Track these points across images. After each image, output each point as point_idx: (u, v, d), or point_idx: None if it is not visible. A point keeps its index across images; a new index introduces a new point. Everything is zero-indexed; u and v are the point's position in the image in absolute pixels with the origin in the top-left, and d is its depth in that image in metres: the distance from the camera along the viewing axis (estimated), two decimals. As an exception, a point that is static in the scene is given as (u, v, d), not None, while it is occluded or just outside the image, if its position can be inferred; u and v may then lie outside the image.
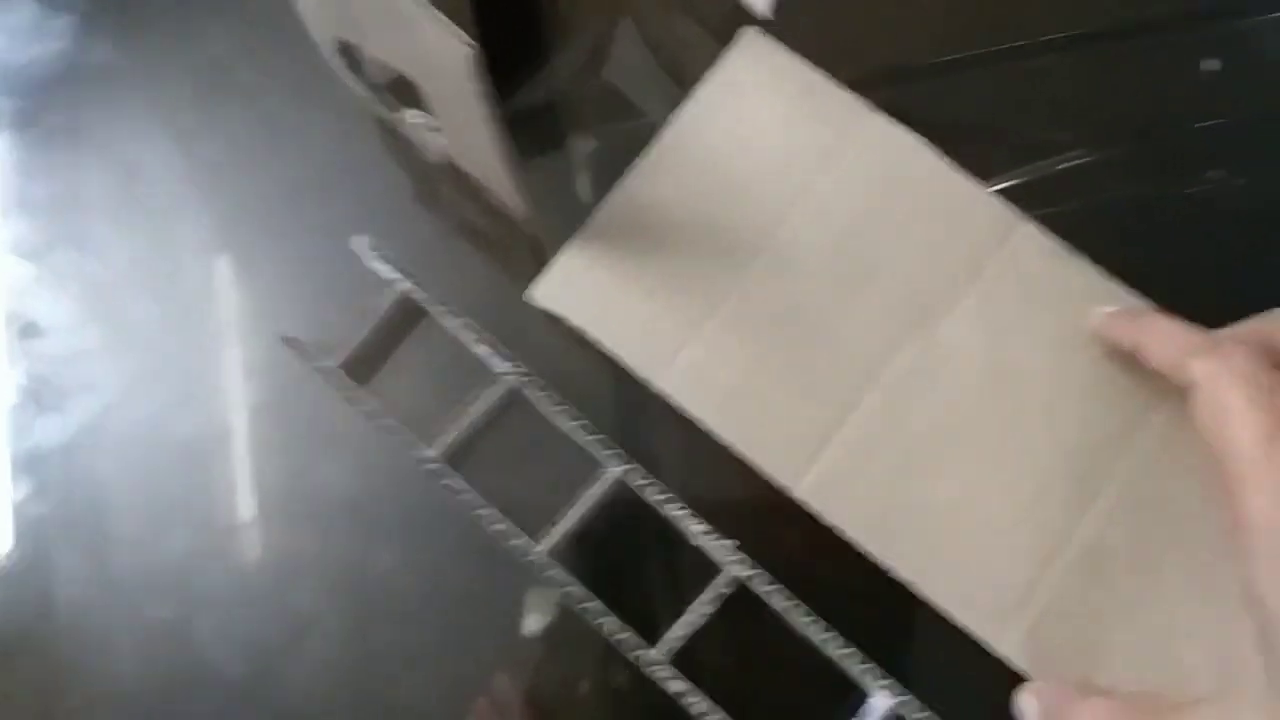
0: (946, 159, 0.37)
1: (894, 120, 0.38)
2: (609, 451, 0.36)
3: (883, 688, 0.34)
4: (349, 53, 0.38)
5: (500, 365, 0.37)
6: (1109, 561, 0.34)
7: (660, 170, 0.38)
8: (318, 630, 0.37)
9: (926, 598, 0.34)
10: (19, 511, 0.39)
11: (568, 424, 0.36)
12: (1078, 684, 0.33)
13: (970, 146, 0.38)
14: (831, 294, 0.36)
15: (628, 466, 0.36)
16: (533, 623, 0.36)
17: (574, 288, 0.37)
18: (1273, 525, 0.28)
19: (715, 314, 0.37)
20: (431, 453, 0.36)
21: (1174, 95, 0.40)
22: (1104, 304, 0.36)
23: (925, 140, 0.38)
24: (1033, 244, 0.36)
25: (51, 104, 0.43)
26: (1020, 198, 0.37)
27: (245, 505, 0.38)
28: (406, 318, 0.38)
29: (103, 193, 0.42)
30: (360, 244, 0.39)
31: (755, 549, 0.35)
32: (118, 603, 0.38)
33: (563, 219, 0.38)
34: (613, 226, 0.38)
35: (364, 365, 0.38)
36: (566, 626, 0.36)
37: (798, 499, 0.35)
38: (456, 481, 0.36)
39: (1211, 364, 0.31)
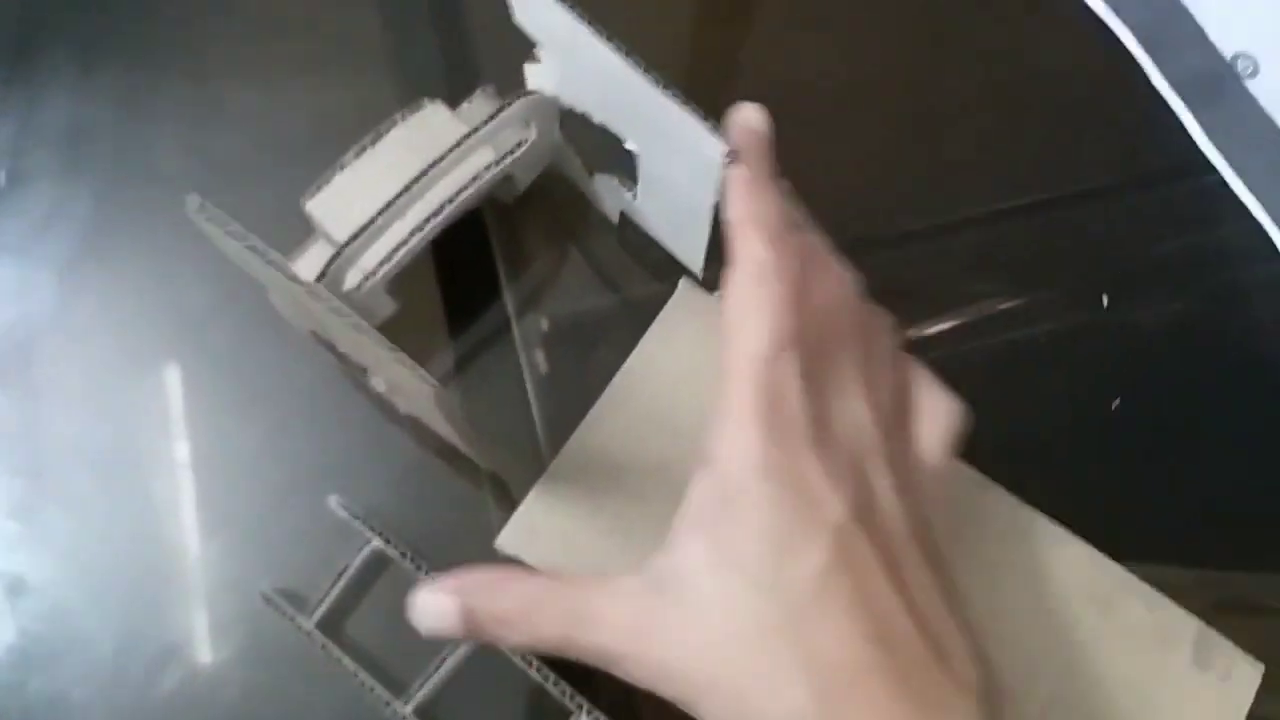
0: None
1: None
2: (576, 700, 0.38)
3: None
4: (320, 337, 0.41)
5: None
6: None
7: (610, 419, 0.41)
8: None
9: None
10: None
11: (536, 676, 0.38)
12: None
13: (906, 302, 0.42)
14: None
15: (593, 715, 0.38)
16: None
17: (536, 534, 0.40)
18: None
19: None
20: (406, 710, 0.39)
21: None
22: (1022, 529, 0.40)
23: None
24: (959, 474, 0.40)
25: (36, 360, 0.45)
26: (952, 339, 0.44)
27: None
28: (377, 566, 0.41)
29: (88, 446, 0.44)
30: (335, 503, 0.41)
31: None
32: None
33: (518, 444, 0.43)
34: (569, 474, 0.41)
35: (337, 617, 0.41)
36: None
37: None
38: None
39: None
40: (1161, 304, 0.47)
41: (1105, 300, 0.47)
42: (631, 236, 0.46)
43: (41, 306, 0.46)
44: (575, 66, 0.39)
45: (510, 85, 0.41)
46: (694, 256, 0.42)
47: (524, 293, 0.46)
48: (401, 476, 0.44)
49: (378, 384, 0.42)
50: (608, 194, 0.44)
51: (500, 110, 0.40)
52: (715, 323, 0.41)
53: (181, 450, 0.44)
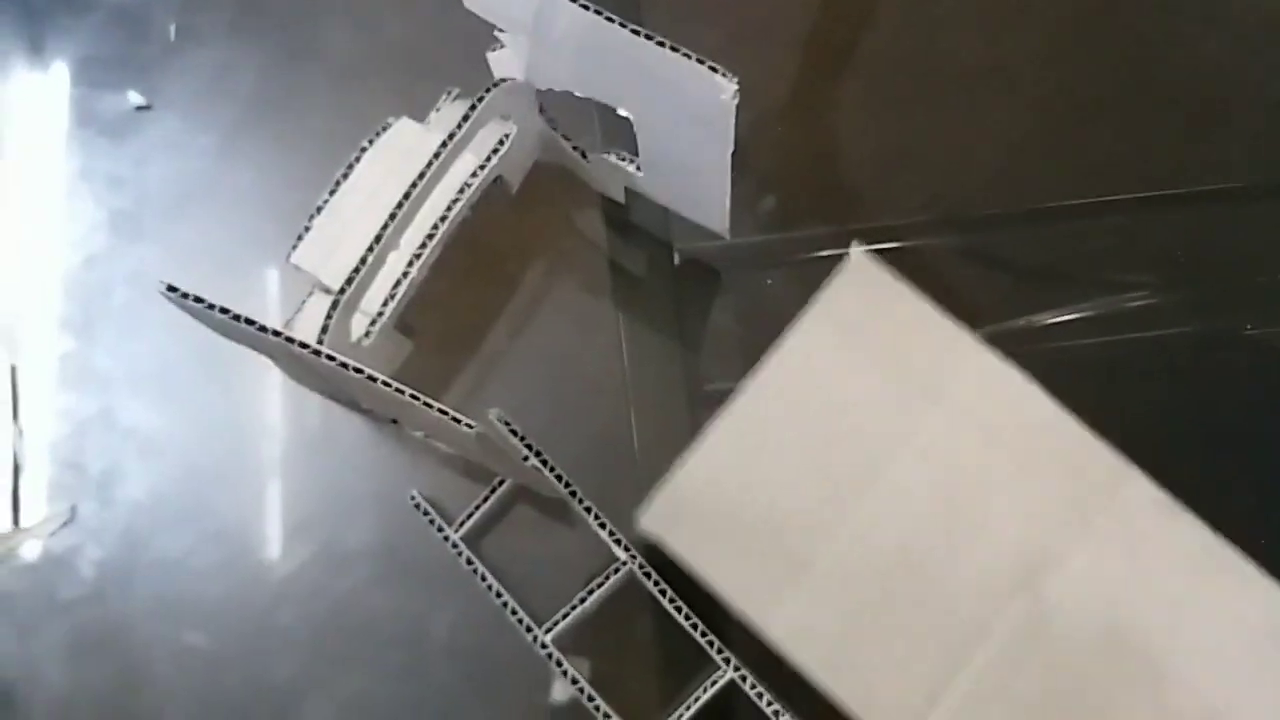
0: (1057, 402, 0.36)
1: (1004, 357, 0.37)
2: (724, 655, 0.35)
3: None
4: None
5: (620, 552, 0.36)
6: None
7: (767, 396, 0.37)
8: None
9: None
10: (62, 575, 0.40)
11: (680, 617, 0.35)
12: None
13: (1046, 284, 0.40)
14: (941, 543, 0.35)
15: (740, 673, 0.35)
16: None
17: (679, 516, 0.36)
18: None
19: (821, 555, 0.35)
20: (545, 637, 0.36)
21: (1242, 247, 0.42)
22: (1212, 566, 0.35)
23: (1034, 380, 0.37)
24: (1144, 496, 0.35)
25: (187, 219, 0.44)
26: (1090, 328, 0.38)
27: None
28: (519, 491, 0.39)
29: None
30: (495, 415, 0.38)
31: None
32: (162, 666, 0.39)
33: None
34: (719, 452, 0.37)
35: (477, 534, 0.38)
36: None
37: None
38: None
39: None
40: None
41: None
42: (641, 211, 0.42)
43: (199, 166, 0.45)
44: (544, 42, 0.35)
45: (475, 84, 0.37)
46: (716, 216, 0.38)
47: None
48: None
49: (412, 432, 0.38)
50: (608, 173, 0.41)
51: (472, 110, 0.36)
52: (888, 296, 0.37)
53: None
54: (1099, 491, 0.36)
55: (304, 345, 0.28)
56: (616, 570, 0.35)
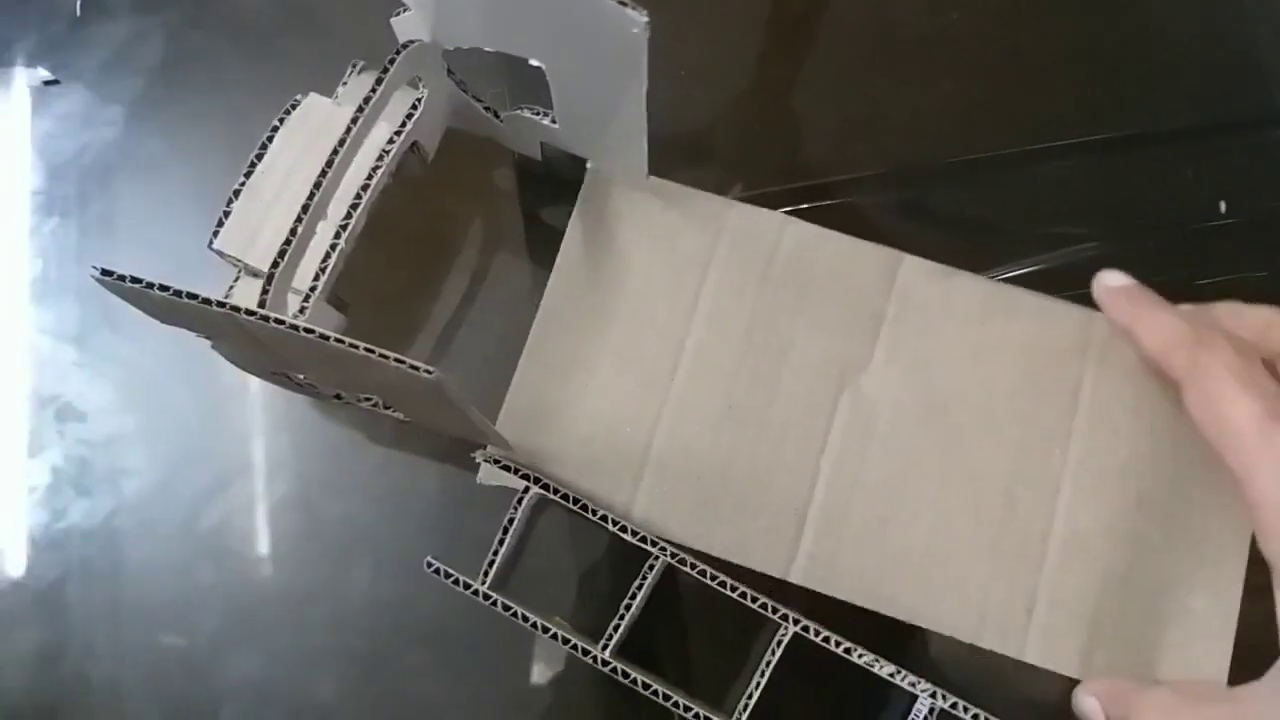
0: (815, 226, 0.39)
1: (754, 207, 0.39)
2: (778, 614, 0.36)
3: (928, 694, 0.35)
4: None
5: (651, 549, 0.36)
6: (1090, 544, 0.36)
7: (559, 310, 0.39)
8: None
9: (941, 632, 0.36)
10: (50, 592, 0.41)
11: (727, 590, 0.36)
12: (1137, 678, 0.34)
13: (988, 239, 0.42)
14: (756, 385, 0.38)
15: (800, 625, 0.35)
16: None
17: (532, 420, 0.38)
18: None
19: (657, 433, 0.38)
20: (604, 654, 0.36)
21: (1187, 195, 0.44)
22: (997, 309, 0.38)
23: (787, 215, 0.39)
24: (917, 272, 0.38)
25: (99, 191, 0.45)
26: (1035, 283, 0.39)
27: (273, 591, 0.41)
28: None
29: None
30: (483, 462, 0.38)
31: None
32: (146, 684, 0.40)
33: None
34: (536, 374, 0.39)
35: (501, 574, 0.38)
36: None
37: (794, 584, 0.36)
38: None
39: (1201, 356, 0.32)
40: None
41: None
42: (559, 164, 0.43)
43: (110, 137, 0.45)
44: (447, -1, 0.35)
45: (383, 51, 0.37)
46: (635, 162, 0.39)
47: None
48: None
49: (366, 403, 0.38)
50: (523, 130, 0.41)
51: (384, 73, 0.36)
52: (638, 193, 0.40)
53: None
54: (877, 282, 0.38)
55: (250, 312, 0.28)
56: (651, 567, 0.36)
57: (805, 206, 0.43)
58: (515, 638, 0.38)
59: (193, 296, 0.29)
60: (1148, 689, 0.33)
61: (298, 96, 0.40)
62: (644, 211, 0.40)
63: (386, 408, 0.39)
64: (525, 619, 0.36)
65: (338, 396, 0.39)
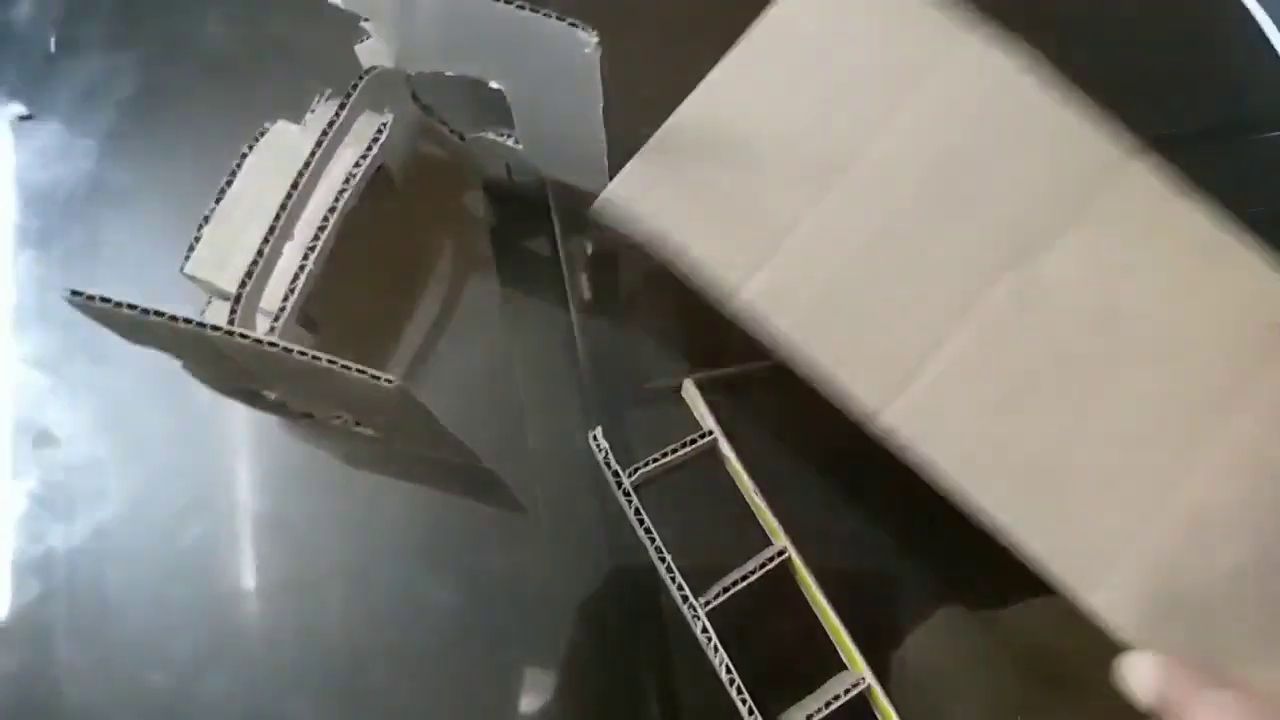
0: (1052, 88, 0.35)
1: (994, 41, 0.35)
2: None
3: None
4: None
5: (784, 540, 0.36)
6: (1215, 522, 0.32)
7: (744, 70, 0.36)
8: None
9: (1015, 544, 0.32)
10: (28, 615, 0.41)
11: (831, 617, 0.35)
12: (1204, 670, 0.31)
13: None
14: (926, 221, 0.34)
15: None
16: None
17: (647, 191, 0.35)
18: None
19: (799, 230, 0.34)
20: (703, 611, 0.35)
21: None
22: (1220, 252, 0.34)
23: (1028, 65, 0.35)
24: (1144, 182, 0.34)
25: (74, 222, 0.46)
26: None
27: (249, 611, 0.41)
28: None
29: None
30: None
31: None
32: (122, 706, 0.40)
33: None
34: (691, 128, 0.35)
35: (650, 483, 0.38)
36: None
37: (882, 428, 0.33)
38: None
39: None
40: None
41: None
42: (526, 184, 0.44)
43: (83, 170, 0.47)
44: (409, 25, 0.36)
45: (350, 77, 0.38)
46: (595, 175, 0.40)
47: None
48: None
49: (336, 421, 0.39)
50: (488, 151, 0.42)
51: (347, 98, 0.37)
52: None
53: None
54: (1097, 173, 0.34)
55: (216, 328, 0.29)
56: (772, 560, 0.36)
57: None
58: (493, 658, 0.39)
59: (160, 314, 0.29)
60: (1212, 686, 0.30)
61: (266, 125, 0.41)
62: (879, 3, 0.36)
63: (357, 425, 0.39)
64: (651, 536, 0.34)
65: (309, 415, 0.40)
